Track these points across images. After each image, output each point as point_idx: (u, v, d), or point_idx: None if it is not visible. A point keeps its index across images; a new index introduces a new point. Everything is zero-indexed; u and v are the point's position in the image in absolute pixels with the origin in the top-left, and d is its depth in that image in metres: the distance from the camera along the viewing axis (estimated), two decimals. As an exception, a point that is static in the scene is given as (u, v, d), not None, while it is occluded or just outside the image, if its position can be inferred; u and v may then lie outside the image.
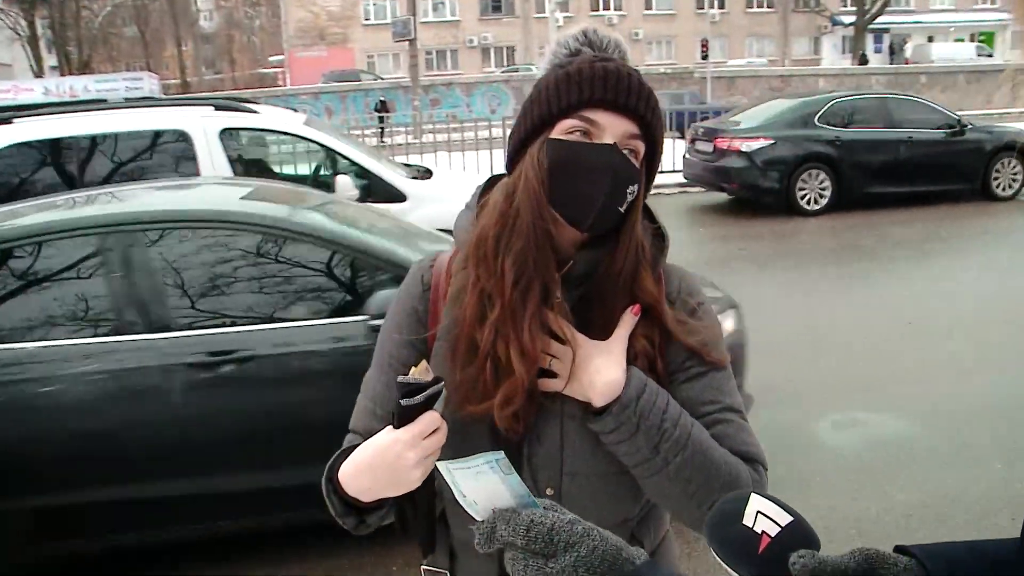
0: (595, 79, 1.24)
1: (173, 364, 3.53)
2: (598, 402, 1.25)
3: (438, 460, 1.10)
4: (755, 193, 12.50)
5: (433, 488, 1.25)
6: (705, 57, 34.80)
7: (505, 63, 48.83)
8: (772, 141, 12.22)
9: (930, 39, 49.34)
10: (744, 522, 0.97)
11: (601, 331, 1.29)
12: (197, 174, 6.58)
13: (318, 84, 36.70)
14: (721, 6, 44.05)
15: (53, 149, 6.89)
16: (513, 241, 1.26)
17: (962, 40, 49.46)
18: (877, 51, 49.71)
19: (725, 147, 12.40)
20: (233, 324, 3.67)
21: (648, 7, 51.88)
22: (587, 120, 1.24)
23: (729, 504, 1.03)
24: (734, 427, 1.31)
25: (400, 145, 16.12)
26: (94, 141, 6.96)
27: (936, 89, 35.85)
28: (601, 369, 1.26)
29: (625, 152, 1.25)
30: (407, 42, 28.46)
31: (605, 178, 1.23)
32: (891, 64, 46.02)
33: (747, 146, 12.22)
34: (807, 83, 35.49)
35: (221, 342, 3.59)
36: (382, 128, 23.26)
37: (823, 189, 12.30)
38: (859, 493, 4.36)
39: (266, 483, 3.60)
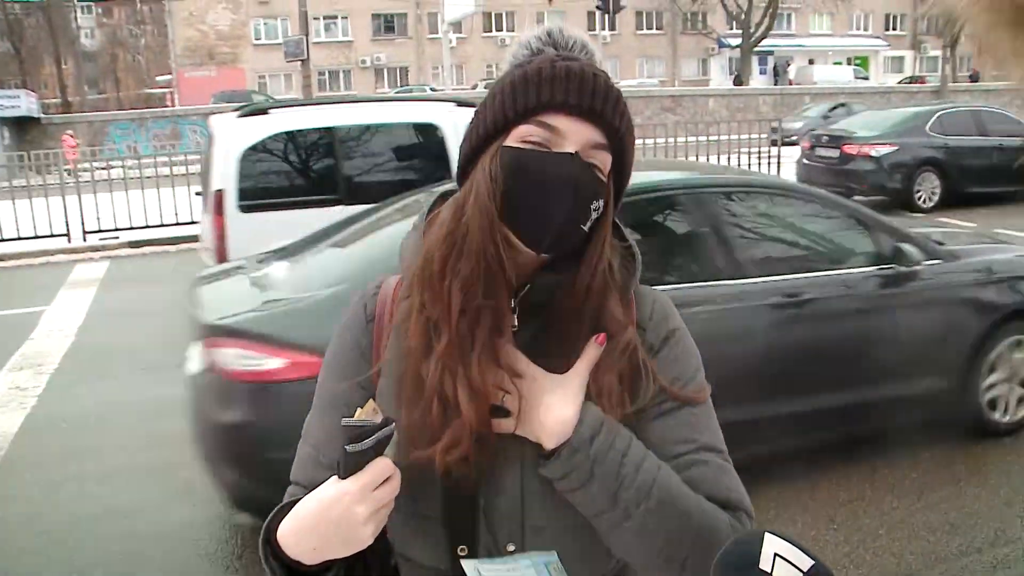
0: (556, 80, 1.08)
1: (759, 305, 4.27)
2: (548, 444, 1.09)
3: (464, 558, 0.99)
4: (882, 193, 14.14)
5: (388, 545, 1.12)
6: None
7: (399, 83, 48.62)
8: (896, 147, 14.16)
9: (811, 62, 51.33)
10: (761, 566, 0.88)
11: (562, 364, 1.13)
12: (448, 164, 6.93)
13: (209, 104, 35.79)
14: (612, 28, 44.74)
15: (309, 138, 7.49)
16: (461, 264, 1.10)
17: (840, 64, 51.58)
18: (762, 72, 51.43)
19: (854, 152, 14.35)
20: (793, 272, 4.47)
21: (540, 29, 52.41)
22: (546, 126, 1.08)
23: (742, 546, 0.93)
24: (712, 469, 1.15)
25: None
26: (350, 131, 7.58)
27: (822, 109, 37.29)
28: (552, 406, 1.09)
29: (589, 163, 1.10)
30: (299, 62, 28.01)
31: (565, 193, 1.07)
32: (775, 85, 47.66)
33: (876, 151, 14.17)
34: (697, 103, 36.53)
35: (789, 287, 4.36)
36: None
37: (935, 189, 14.30)
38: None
39: (822, 404, 4.37)
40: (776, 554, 0.89)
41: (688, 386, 1.18)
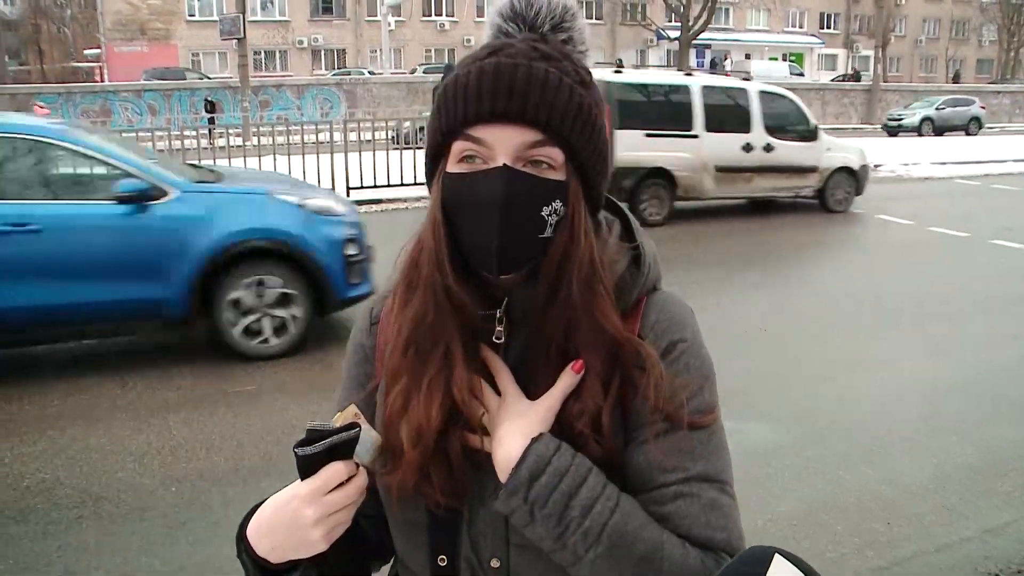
0: (472, 88, 1.01)
1: None
2: (500, 478, 1.03)
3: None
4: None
5: (349, 553, 1.09)
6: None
7: (336, 66, 47.94)
8: None
9: (747, 56, 52.10)
10: None
11: (542, 382, 1.07)
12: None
13: (140, 81, 34.85)
14: (553, 17, 44.79)
15: (652, 91, 12.83)
16: (414, 297, 1.08)
17: (776, 59, 52.42)
18: (699, 65, 51.97)
19: None
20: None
21: (480, 14, 52.08)
22: (474, 139, 1.01)
23: (745, 565, 0.88)
24: (699, 504, 1.04)
25: (234, 147, 15.36)
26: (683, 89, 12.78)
27: (755, 104, 37.79)
28: (504, 440, 1.03)
29: (528, 167, 1.01)
30: (235, 41, 27.43)
31: (497, 212, 1.00)
32: (712, 79, 48.21)
33: None
34: (636, 95, 36.61)
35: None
36: (210, 129, 22.28)
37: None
38: (742, 505, 4.35)
39: None
40: None
41: (687, 405, 1.06)
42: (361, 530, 1.15)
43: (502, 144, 1.00)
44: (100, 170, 6.39)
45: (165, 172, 6.63)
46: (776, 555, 0.86)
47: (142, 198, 6.21)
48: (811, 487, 4.55)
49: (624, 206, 1.22)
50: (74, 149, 6.41)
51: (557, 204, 1.03)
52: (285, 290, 6.58)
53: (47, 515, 4.29)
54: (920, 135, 32.94)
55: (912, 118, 34.51)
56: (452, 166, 1.04)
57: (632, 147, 11.85)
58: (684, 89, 12.59)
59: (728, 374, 6.05)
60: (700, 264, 10.09)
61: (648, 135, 12.17)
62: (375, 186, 14.63)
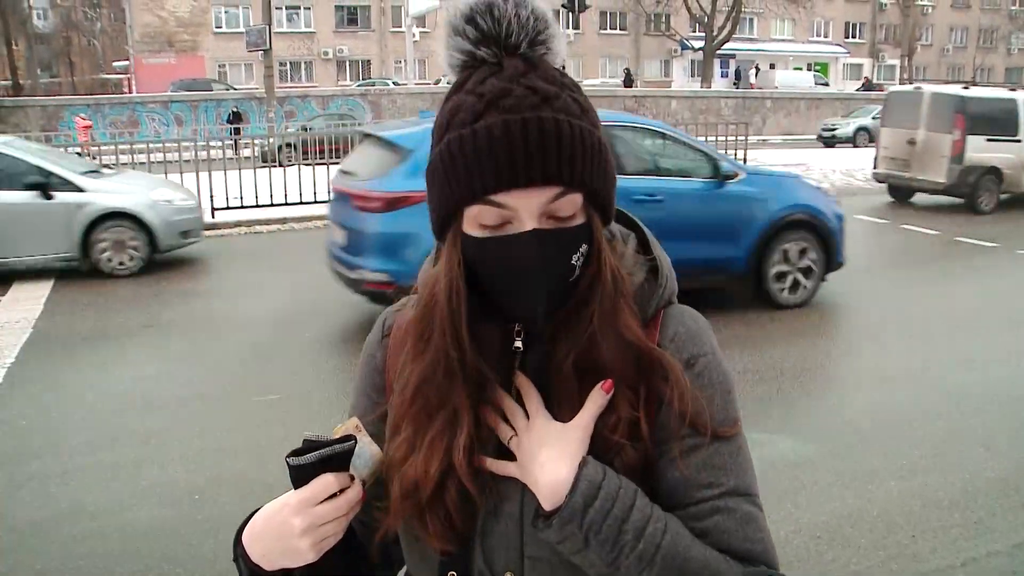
0: (484, 154, 0.96)
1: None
2: (545, 505, 1.01)
3: None
4: None
5: (343, 563, 1.08)
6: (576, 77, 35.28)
7: (361, 76, 48.23)
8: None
9: (772, 66, 51.92)
10: None
11: (566, 400, 1.06)
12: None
13: (167, 92, 35.22)
14: (576, 27, 44.85)
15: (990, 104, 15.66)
16: (425, 352, 1.06)
17: (800, 69, 52.23)
18: (723, 75, 51.88)
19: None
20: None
21: (504, 26, 52.30)
22: (496, 204, 0.98)
23: None
24: (736, 518, 1.04)
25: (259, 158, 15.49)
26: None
27: (780, 114, 37.79)
28: (547, 465, 1.01)
29: (552, 225, 0.99)
30: (261, 52, 27.66)
31: (536, 276, 1.00)
32: (736, 88, 48.07)
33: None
34: (659, 104, 36.66)
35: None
36: (235, 140, 22.46)
37: None
38: (767, 517, 4.31)
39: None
40: None
41: (713, 419, 1.06)
42: (357, 540, 1.14)
43: (526, 207, 0.98)
44: (695, 156, 8.34)
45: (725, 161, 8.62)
46: None
47: (725, 178, 8.05)
48: (837, 500, 4.50)
49: (639, 220, 1.19)
50: (682, 140, 8.52)
51: (583, 248, 1.03)
52: (810, 252, 8.26)
53: (73, 524, 4.33)
54: (855, 146, 31.44)
55: (846, 128, 33.34)
56: (471, 228, 1.02)
57: (977, 149, 14.87)
58: (1011, 102, 15.68)
59: (755, 385, 5.99)
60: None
61: (988, 140, 14.99)
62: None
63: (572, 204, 1.00)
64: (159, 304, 8.91)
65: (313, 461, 0.97)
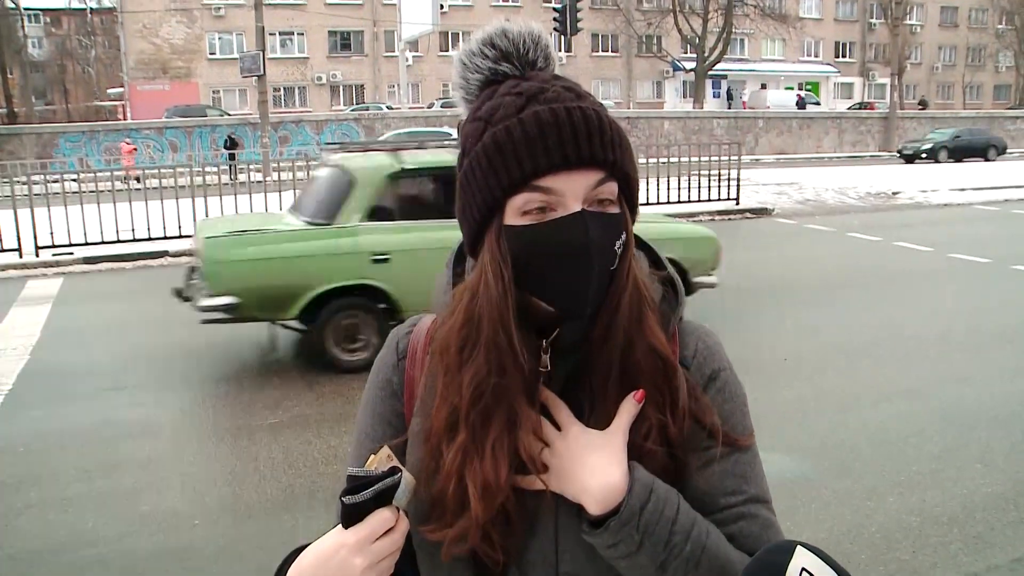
0: (535, 138, 1.00)
1: None
2: (594, 509, 1.02)
3: None
4: None
5: None
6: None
7: (354, 101, 48.40)
8: None
9: (763, 86, 52.26)
10: None
11: (600, 408, 1.08)
12: None
13: (162, 118, 35.32)
14: (568, 49, 45.16)
15: None
16: (475, 355, 1.06)
17: (791, 88, 52.54)
18: (715, 96, 52.19)
19: None
20: None
21: (497, 48, 52.56)
22: (542, 190, 1.01)
23: (771, 555, 0.92)
24: (759, 524, 1.09)
25: (255, 183, 15.52)
26: None
27: (773, 133, 38.01)
28: (597, 470, 1.03)
29: (596, 208, 1.03)
30: (255, 78, 27.79)
31: (586, 259, 1.02)
32: (728, 108, 48.34)
33: None
34: (652, 125, 36.87)
35: None
36: (231, 165, 22.51)
37: None
38: (766, 534, 4.32)
39: None
40: (804, 568, 0.87)
41: (734, 430, 1.12)
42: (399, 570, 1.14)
43: (572, 190, 1.01)
44: None
45: None
46: (798, 546, 0.89)
47: None
48: (837, 517, 4.51)
49: (644, 239, 1.22)
50: None
51: (623, 236, 1.06)
52: None
53: (73, 550, 4.32)
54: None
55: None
56: (515, 219, 1.03)
57: None
58: None
59: (752, 404, 6.07)
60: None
61: None
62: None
63: (611, 191, 1.04)
64: (161, 330, 8.91)
65: (369, 498, 0.96)
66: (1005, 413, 6.02)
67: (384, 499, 0.97)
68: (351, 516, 0.97)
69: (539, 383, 1.09)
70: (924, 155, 31.93)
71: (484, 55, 1.08)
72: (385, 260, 6.96)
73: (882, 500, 4.68)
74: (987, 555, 4.10)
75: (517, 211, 1.03)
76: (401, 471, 0.99)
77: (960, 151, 33.23)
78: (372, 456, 1.01)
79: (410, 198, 7.35)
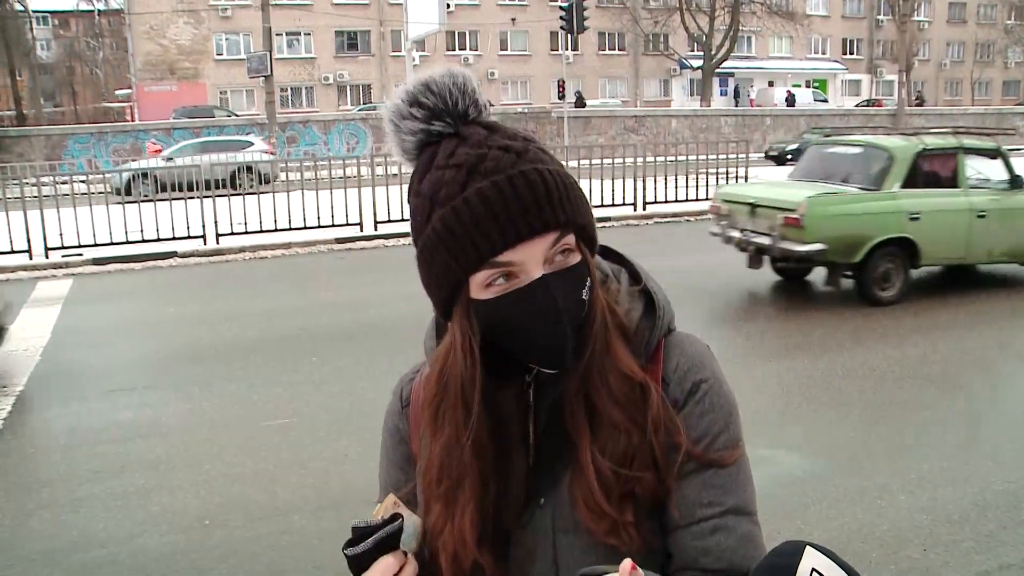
0: (484, 219, 0.99)
1: None
2: None
3: None
4: None
5: None
6: (562, 97, 35.50)
7: (361, 101, 48.46)
8: None
9: (770, 84, 52.12)
10: None
11: (584, 436, 1.09)
12: None
13: (169, 119, 35.41)
14: (575, 48, 45.10)
15: None
16: (443, 427, 1.11)
17: (799, 86, 52.42)
18: (723, 94, 52.12)
19: None
20: None
21: (504, 48, 52.66)
22: (502, 265, 1.01)
23: (780, 558, 0.91)
24: (736, 537, 1.08)
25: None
26: None
27: (781, 131, 37.88)
28: None
29: (557, 266, 1.03)
30: (262, 78, 27.87)
31: (557, 320, 1.02)
32: (736, 106, 48.26)
33: None
34: (660, 123, 36.80)
35: None
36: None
37: None
38: (776, 532, 4.31)
39: None
40: (814, 569, 0.87)
41: (715, 443, 1.10)
42: None
43: (531, 258, 1.01)
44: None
45: None
46: (808, 547, 0.88)
47: None
48: (847, 515, 4.49)
49: (624, 253, 1.24)
50: None
51: (587, 282, 1.06)
52: None
53: (83, 551, 4.33)
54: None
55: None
56: (480, 293, 1.04)
57: None
58: None
59: (763, 402, 5.99)
60: (726, 291, 10.05)
61: None
62: (402, 219, 14.74)
63: (569, 242, 1.04)
64: (171, 330, 8.93)
65: (370, 548, 0.99)
66: (1017, 411, 6.00)
67: (387, 546, 1.00)
68: (357, 566, 1.00)
69: (528, 421, 1.12)
70: (790, 156, 30.06)
71: (413, 116, 1.06)
72: (917, 219, 8.93)
73: (893, 498, 4.66)
74: (999, 553, 4.08)
75: (481, 285, 1.03)
76: (402, 517, 1.03)
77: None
78: (378, 505, 1.06)
79: (929, 170, 9.31)
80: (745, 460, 1.13)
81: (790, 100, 44.75)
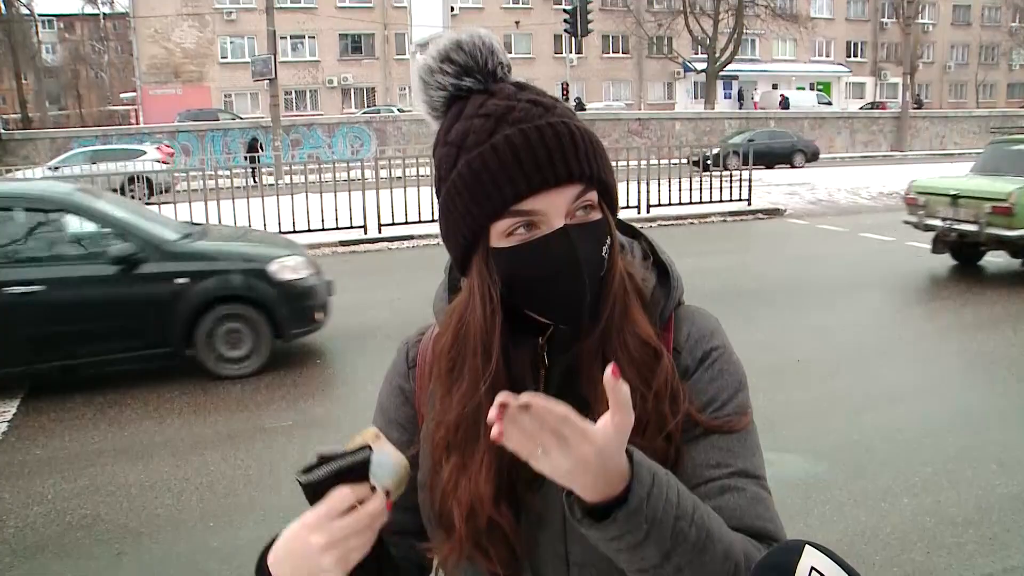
0: (509, 164, 1.00)
1: None
2: (591, 497, 0.93)
3: None
4: None
5: None
6: (566, 99, 35.52)
7: (366, 104, 48.52)
8: None
9: (774, 87, 52.08)
10: None
11: (603, 401, 1.06)
12: None
13: (174, 123, 35.48)
14: (579, 51, 45.10)
15: None
16: (463, 376, 1.09)
17: (803, 88, 52.39)
18: (727, 97, 52.10)
19: None
20: None
21: (508, 50, 51.13)
22: (523, 213, 1.01)
23: (779, 556, 0.91)
24: (746, 497, 1.07)
25: (267, 186, 15.60)
26: None
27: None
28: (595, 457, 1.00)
29: (578, 220, 1.03)
30: (267, 81, 27.90)
31: (576, 272, 1.02)
32: (740, 109, 48.25)
33: None
34: (664, 126, 36.80)
35: None
36: (254, 168, 22.52)
37: None
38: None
39: None
40: (813, 568, 0.86)
41: (724, 409, 1.11)
42: (387, 551, 1.10)
43: (554, 208, 1.01)
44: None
45: None
46: (807, 546, 0.88)
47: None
48: (850, 518, 4.50)
49: (638, 228, 1.25)
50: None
51: (608, 240, 1.07)
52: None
53: (89, 551, 4.36)
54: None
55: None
56: (501, 241, 1.04)
57: None
58: None
59: (766, 405, 6.00)
60: (737, 295, 10.06)
61: None
62: (406, 222, 14.77)
63: (591, 199, 1.05)
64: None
65: (324, 476, 0.93)
66: (1021, 413, 5.99)
67: (351, 477, 0.94)
68: (313, 496, 0.94)
69: (540, 384, 1.11)
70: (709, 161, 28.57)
71: (444, 71, 1.07)
72: None
73: (896, 501, 4.67)
74: (1003, 556, 4.08)
75: (502, 234, 1.03)
76: (370, 450, 0.96)
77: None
78: (357, 435, 0.98)
79: None
80: (754, 428, 1.14)
81: (784, 103, 44.64)
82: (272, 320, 7.29)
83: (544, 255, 1.02)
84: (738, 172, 17.34)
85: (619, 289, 1.09)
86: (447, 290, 1.19)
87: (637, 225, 1.25)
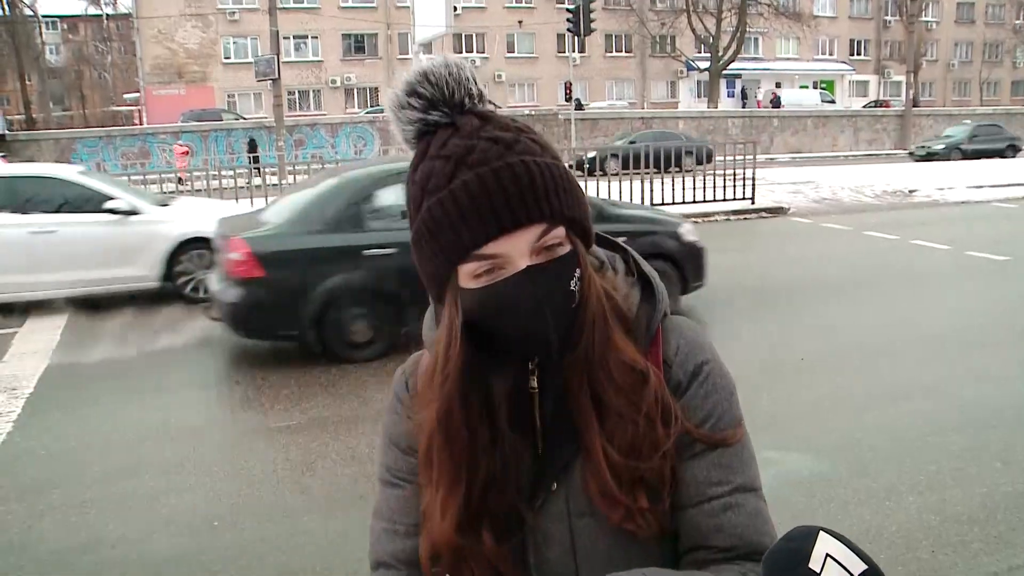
0: (468, 210, 1.00)
1: None
2: None
3: None
4: None
5: None
6: (569, 99, 35.49)
7: (368, 104, 48.52)
8: None
9: (778, 85, 52.04)
10: (811, 566, 0.87)
11: (591, 425, 1.10)
12: None
13: (178, 123, 35.52)
14: (582, 50, 45.07)
15: None
16: (434, 401, 1.13)
17: (806, 87, 52.34)
18: (730, 95, 52.05)
19: None
20: None
21: (511, 50, 52.66)
22: (487, 257, 1.02)
23: (793, 542, 0.91)
24: (746, 513, 1.11)
25: (271, 186, 15.59)
26: None
27: (788, 132, 37.86)
28: None
29: (543, 258, 1.03)
30: (270, 82, 27.90)
31: (542, 309, 1.03)
32: (743, 108, 48.21)
33: None
34: (667, 125, 36.78)
35: None
36: (253, 168, 22.50)
37: None
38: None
39: None
40: (828, 554, 0.87)
41: (720, 423, 1.13)
42: None
43: (516, 250, 1.01)
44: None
45: None
46: (821, 532, 0.89)
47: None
48: (855, 516, 4.48)
49: (621, 241, 1.25)
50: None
51: (576, 272, 1.07)
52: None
53: (89, 551, 4.35)
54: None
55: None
56: (467, 282, 1.05)
57: None
58: None
59: (770, 403, 5.98)
60: (736, 293, 10.04)
61: None
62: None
63: (557, 236, 1.04)
64: (179, 333, 8.95)
65: None
66: (1025, 411, 5.97)
67: None
68: None
69: (533, 407, 1.13)
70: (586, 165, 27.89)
71: (412, 106, 1.07)
72: None
73: (901, 499, 4.66)
74: (1008, 555, 4.07)
75: (469, 275, 1.04)
76: None
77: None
78: None
79: None
80: (748, 438, 1.16)
81: (775, 102, 44.58)
82: (682, 275, 8.41)
83: (505, 299, 1.03)
84: (741, 171, 17.30)
85: (597, 316, 1.09)
86: (434, 318, 1.21)
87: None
